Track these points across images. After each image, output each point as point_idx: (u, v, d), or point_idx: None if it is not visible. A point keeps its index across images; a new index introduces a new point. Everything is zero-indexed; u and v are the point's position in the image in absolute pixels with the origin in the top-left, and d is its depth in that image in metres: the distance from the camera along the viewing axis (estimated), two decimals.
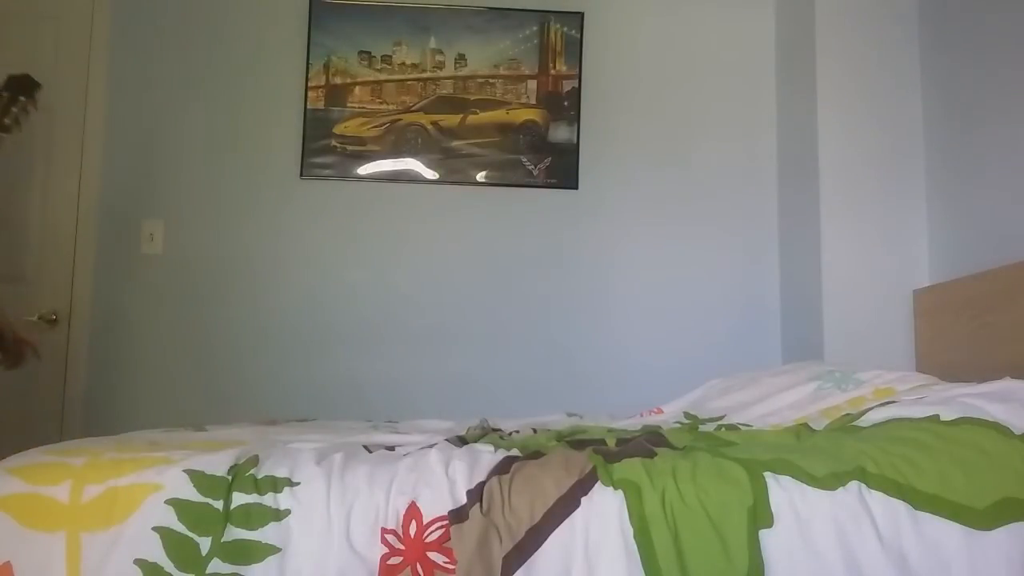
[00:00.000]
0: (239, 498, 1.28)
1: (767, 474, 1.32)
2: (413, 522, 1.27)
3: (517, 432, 1.90)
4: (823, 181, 2.92)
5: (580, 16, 3.32)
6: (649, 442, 1.53)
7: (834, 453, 1.38)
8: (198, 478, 1.29)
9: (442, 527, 1.26)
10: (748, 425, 1.88)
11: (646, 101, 3.35)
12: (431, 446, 1.50)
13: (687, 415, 2.13)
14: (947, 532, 1.29)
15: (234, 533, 1.26)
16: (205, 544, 1.25)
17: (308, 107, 3.23)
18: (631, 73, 3.36)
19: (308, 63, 3.25)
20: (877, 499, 1.30)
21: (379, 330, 3.18)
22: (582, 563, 1.25)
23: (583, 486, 1.30)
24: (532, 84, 3.30)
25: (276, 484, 1.30)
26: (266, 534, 1.26)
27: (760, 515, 1.28)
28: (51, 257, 3.12)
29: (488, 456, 1.40)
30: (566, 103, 3.30)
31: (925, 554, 1.27)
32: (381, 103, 3.26)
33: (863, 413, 1.66)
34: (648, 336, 3.23)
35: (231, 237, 3.19)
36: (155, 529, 1.25)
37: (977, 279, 2.45)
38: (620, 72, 3.36)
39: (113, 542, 1.24)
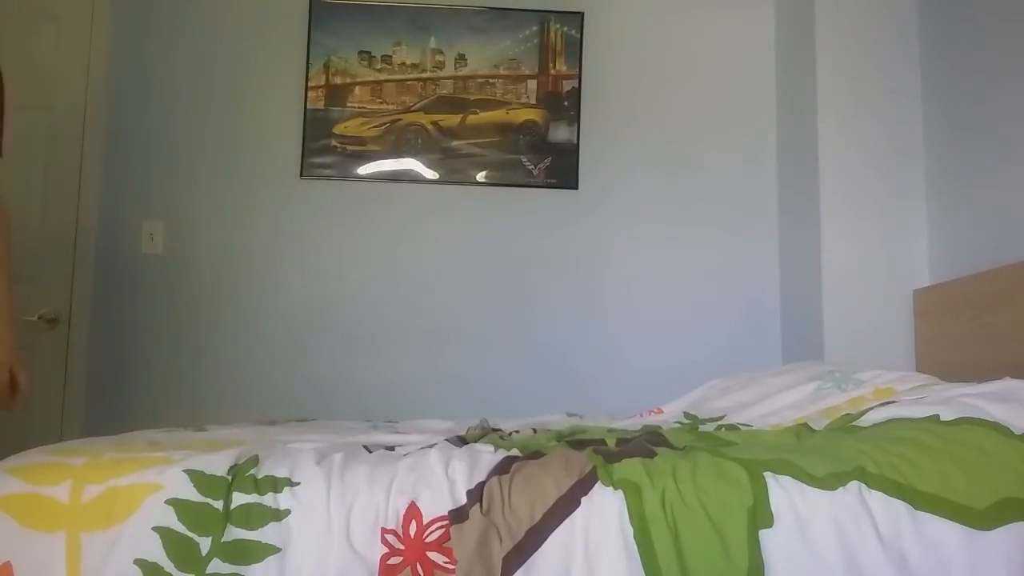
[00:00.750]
0: (239, 498, 1.28)
1: (767, 474, 1.32)
2: (413, 522, 1.27)
3: (517, 432, 1.90)
4: (823, 181, 2.92)
5: (580, 16, 3.32)
6: (649, 442, 1.53)
7: (834, 453, 1.38)
8: (198, 478, 1.29)
9: (442, 527, 1.26)
10: (748, 425, 1.88)
11: (646, 101, 3.35)
12: (431, 446, 1.50)
13: (687, 415, 2.13)
14: (947, 532, 1.28)
15: (234, 533, 1.26)
16: (205, 544, 1.25)
17: (308, 107, 3.23)
18: (631, 73, 3.36)
19: (308, 63, 3.25)
20: (877, 499, 1.30)
21: (379, 329, 3.18)
22: (582, 563, 1.25)
23: (583, 486, 1.30)
24: (532, 84, 3.30)
25: (276, 484, 1.30)
26: (266, 534, 1.26)
27: (760, 515, 1.28)
28: (51, 257, 3.12)
29: (488, 456, 1.40)
30: (566, 103, 3.30)
31: (925, 554, 1.27)
32: (381, 103, 3.26)
33: (863, 413, 1.65)
34: (648, 336, 3.23)
35: (231, 237, 3.19)
36: (155, 529, 1.25)
37: (977, 279, 2.45)
38: (620, 72, 3.36)
39: (113, 542, 1.24)
